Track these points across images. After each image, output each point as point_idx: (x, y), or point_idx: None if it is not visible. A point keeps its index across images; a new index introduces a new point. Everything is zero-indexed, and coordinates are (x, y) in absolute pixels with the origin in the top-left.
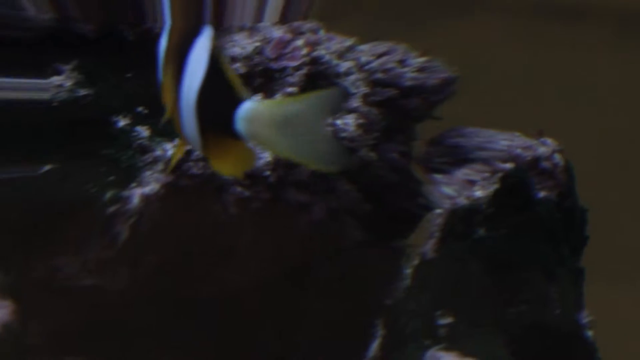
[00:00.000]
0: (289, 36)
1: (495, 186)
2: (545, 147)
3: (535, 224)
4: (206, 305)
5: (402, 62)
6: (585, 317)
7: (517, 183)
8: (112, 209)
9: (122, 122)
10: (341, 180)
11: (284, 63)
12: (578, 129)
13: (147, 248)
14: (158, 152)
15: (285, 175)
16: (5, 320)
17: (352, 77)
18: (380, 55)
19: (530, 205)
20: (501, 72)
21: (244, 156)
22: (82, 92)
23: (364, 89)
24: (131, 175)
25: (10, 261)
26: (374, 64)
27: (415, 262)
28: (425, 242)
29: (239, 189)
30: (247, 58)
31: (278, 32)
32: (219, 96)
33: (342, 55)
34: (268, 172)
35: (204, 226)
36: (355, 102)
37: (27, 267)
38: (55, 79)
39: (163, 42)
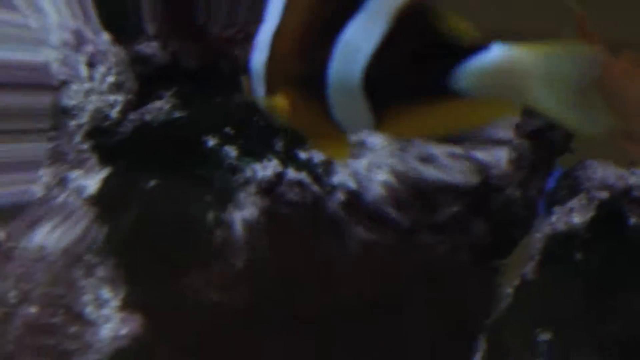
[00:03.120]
0: None
1: (592, 214)
2: (635, 177)
3: (628, 248)
4: (313, 322)
5: None
6: None
7: (611, 211)
8: (218, 232)
9: (212, 142)
10: (478, 220)
11: None
12: None
13: (259, 272)
14: (248, 174)
15: (420, 218)
16: (135, 333)
17: None
18: None
19: (623, 231)
20: None
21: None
22: (177, 114)
23: (515, 118)
24: (226, 196)
25: (139, 277)
26: None
27: (517, 282)
28: (525, 264)
29: (357, 226)
30: None
31: None
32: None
33: None
34: (390, 211)
35: (317, 261)
36: (507, 133)
37: (155, 282)
38: (158, 103)
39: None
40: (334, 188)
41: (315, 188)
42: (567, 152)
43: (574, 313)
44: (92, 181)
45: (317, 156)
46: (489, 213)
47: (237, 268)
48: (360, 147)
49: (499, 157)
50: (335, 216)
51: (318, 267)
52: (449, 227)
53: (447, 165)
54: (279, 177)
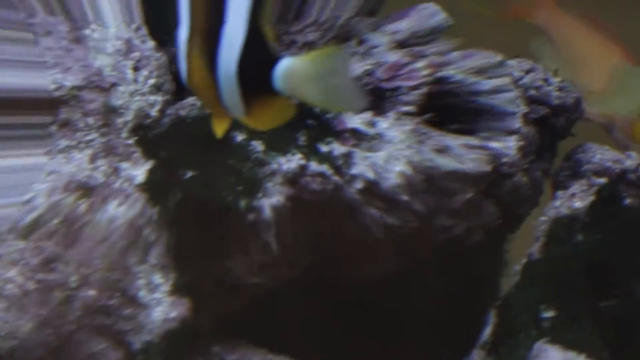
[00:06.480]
0: (406, 59)
1: (592, 198)
2: (630, 160)
3: (624, 229)
4: (340, 297)
5: (546, 80)
6: None
7: (609, 195)
8: (250, 217)
9: (240, 137)
10: (489, 202)
11: (397, 83)
12: None
13: (292, 254)
14: (274, 166)
15: (435, 203)
16: (183, 316)
17: (509, 95)
18: (527, 72)
19: (620, 213)
20: None
21: (283, 109)
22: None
23: (523, 108)
24: (254, 186)
25: (186, 261)
26: (526, 80)
27: (524, 261)
28: (531, 245)
29: (374, 211)
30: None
31: (394, 57)
32: (257, 59)
33: (483, 71)
34: (406, 197)
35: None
36: (517, 123)
37: (202, 266)
38: (190, 100)
39: (183, 33)
40: (353, 178)
41: (336, 178)
42: (569, 135)
43: (575, 290)
44: (139, 171)
45: (337, 149)
46: (499, 197)
47: (271, 250)
48: (379, 141)
49: (509, 146)
50: (353, 202)
51: (343, 247)
52: (464, 211)
53: (462, 155)
54: (303, 169)
